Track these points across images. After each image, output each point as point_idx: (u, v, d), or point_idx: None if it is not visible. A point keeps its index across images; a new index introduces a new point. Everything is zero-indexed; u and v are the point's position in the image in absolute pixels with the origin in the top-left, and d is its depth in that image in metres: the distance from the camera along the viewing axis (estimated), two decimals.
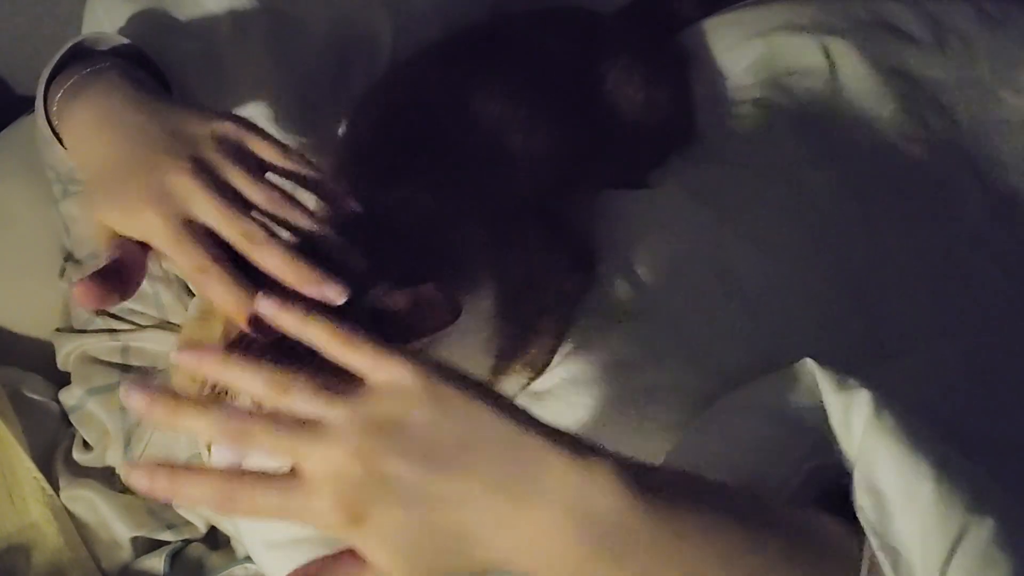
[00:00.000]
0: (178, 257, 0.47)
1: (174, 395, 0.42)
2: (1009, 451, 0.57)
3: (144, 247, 0.50)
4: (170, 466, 0.41)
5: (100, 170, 0.52)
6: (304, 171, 0.52)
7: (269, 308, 0.43)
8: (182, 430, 0.43)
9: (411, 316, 0.49)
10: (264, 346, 0.46)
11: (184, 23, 0.80)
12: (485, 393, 0.42)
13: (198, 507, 0.43)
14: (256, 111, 0.78)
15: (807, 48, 0.88)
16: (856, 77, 0.86)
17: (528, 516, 0.40)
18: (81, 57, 0.68)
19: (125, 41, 0.71)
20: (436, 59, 0.78)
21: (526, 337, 0.64)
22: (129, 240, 0.50)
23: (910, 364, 0.67)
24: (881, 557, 0.44)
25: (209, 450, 0.50)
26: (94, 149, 0.53)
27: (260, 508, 0.40)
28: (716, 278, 0.72)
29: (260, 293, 0.44)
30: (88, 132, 0.54)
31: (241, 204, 0.48)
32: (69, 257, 0.82)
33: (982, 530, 0.43)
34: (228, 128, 0.51)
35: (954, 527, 0.44)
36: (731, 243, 0.74)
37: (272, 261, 0.46)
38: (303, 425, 0.40)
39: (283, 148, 0.52)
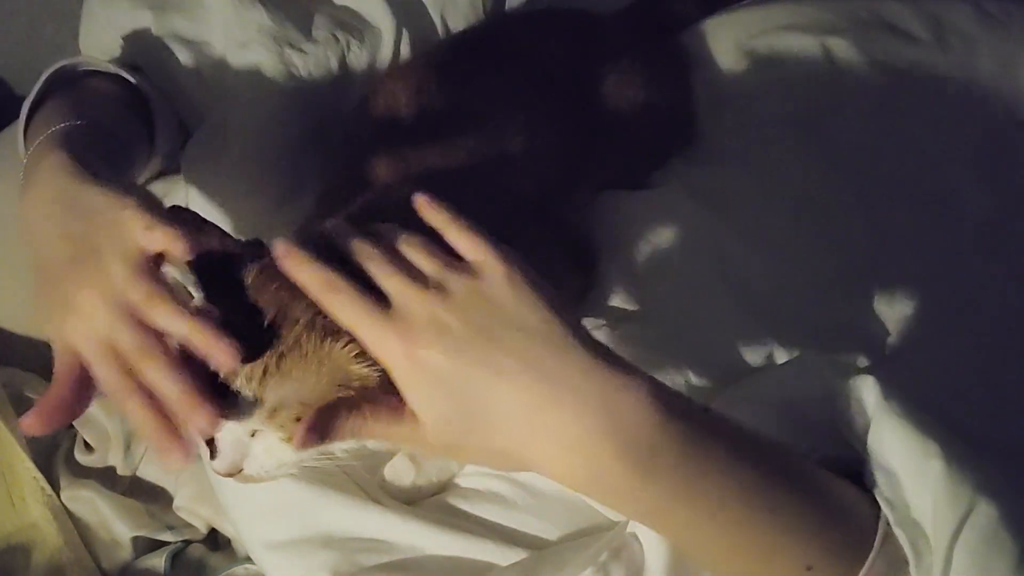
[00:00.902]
0: (96, 376, 0.48)
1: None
2: (1011, 450, 0.57)
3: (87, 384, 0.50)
4: (299, 251, 0.47)
5: (38, 273, 0.53)
6: (182, 254, 0.51)
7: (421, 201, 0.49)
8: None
9: None
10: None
11: (187, 30, 0.81)
12: (555, 299, 0.47)
13: (308, 287, 0.46)
14: (257, 116, 0.78)
15: (807, 48, 0.88)
16: (856, 76, 0.86)
17: (561, 411, 0.43)
18: (64, 83, 0.68)
19: (112, 70, 0.71)
20: (437, 59, 0.78)
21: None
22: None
23: (912, 364, 0.67)
24: (899, 532, 0.45)
25: (212, 452, 0.50)
26: (36, 248, 0.54)
27: (344, 310, 0.46)
28: (717, 278, 0.72)
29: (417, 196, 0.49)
30: (34, 225, 0.54)
31: (131, 316, 0.48)
32: None
33: (990, 508, 0.45)
34: (128, 222, 0.50)
35: (963, 504, 0.45)
36: (732, 243, 0.74)
37: (153, 380, 0.47)
38: (408, 268, 0.47)
39: (174, 238, 0.50)
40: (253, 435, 0.49)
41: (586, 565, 0.52)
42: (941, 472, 0.45)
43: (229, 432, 0.49)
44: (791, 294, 0.72)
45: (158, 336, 0.47)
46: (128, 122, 0.71)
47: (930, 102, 0.86)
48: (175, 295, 0.48)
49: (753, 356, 0.67)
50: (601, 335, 0.68)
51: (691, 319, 0.69)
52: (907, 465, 0.47)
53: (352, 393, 0.48)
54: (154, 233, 0.49)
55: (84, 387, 0.49)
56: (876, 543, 0.45)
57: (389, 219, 0.51)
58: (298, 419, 0.48)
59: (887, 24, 0.89)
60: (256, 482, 0.51)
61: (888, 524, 0.46)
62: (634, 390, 0.44)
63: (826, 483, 0.47)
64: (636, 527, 0.53)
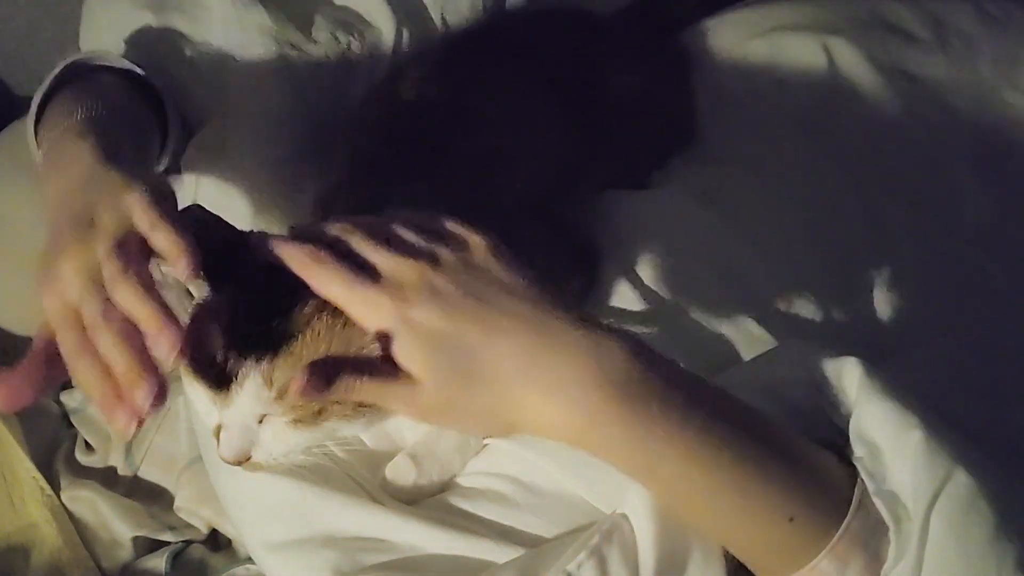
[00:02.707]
0: (58, 340, 0.48)
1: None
2: (1008, 445, 0.57)
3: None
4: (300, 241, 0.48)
5: (46, 247, 0.53)
6: (163, 245, 0.51)
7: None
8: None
9: None
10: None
11: (188, 29, 0.81)
12: (536, 274, 0.49)
13: (290, 260, 0.48)
14: (257, 116, 0.78)
15: (808, 48, 0.88)
16: (857, 76, 0.86)
17: (554, 358, 0.45)
18: (80, 74, 0.68)
19: (125, 65, 0.71)
20: (437, 59, 0.78)
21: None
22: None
23: (910, 361, 0.67)
24: (878, 502, 0.47)
25: (217, 437, 0.50)
26: (49, 226, 0.54)
27: (332, 281, 0.47)
28: (718, 278, 0.72)
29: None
30: (51, 207, 0.55)
31: (100, 287, 0.49)
32: None
33: (967, 478, 0.46)
34: (128, 203, 0.51)
35: (940, 472, 0.46)
36: (733, 243, 0.74)
37: (102, 348, 0.47)
38: (392, 243, 0.48)
39: (154, 221, 0.51)
40: (261, 422, 0.49)
41: (579, 551, 0.52)
42: (920, 441, 0.47)
43: (237, 419, 0.49)
44: (791, 293, 0.72)
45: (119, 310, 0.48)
46: (144, 117, 0.71)
47: (930, 102, 0.86)
48: (147, 279, 0.49)
49: (753, 354, 0.67)
50: None
51: (690, 317, 0.69)
52: (887, 437, 0.48)
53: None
54: (156, 233, 0.50)
55: (53, 363, 0.49)
56: (852, 505, 0.46)
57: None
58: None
59: (887, 24, 0.89)
60: (264, 470, 0.51)
61: (865, 492, 0.47)
62: (621, 341, 0.46)
63: (806, 447, 0.49)
64: (626, 507, 0.53)
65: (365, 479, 0.63)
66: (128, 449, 0.79)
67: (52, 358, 0.49)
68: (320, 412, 0.50)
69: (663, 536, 0.52)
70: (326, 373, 0.46)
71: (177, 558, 0.77)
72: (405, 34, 0.84)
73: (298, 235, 0.50)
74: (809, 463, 0.48)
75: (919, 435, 0.47)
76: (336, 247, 0.49)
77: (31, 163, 0.85)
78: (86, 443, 0.81)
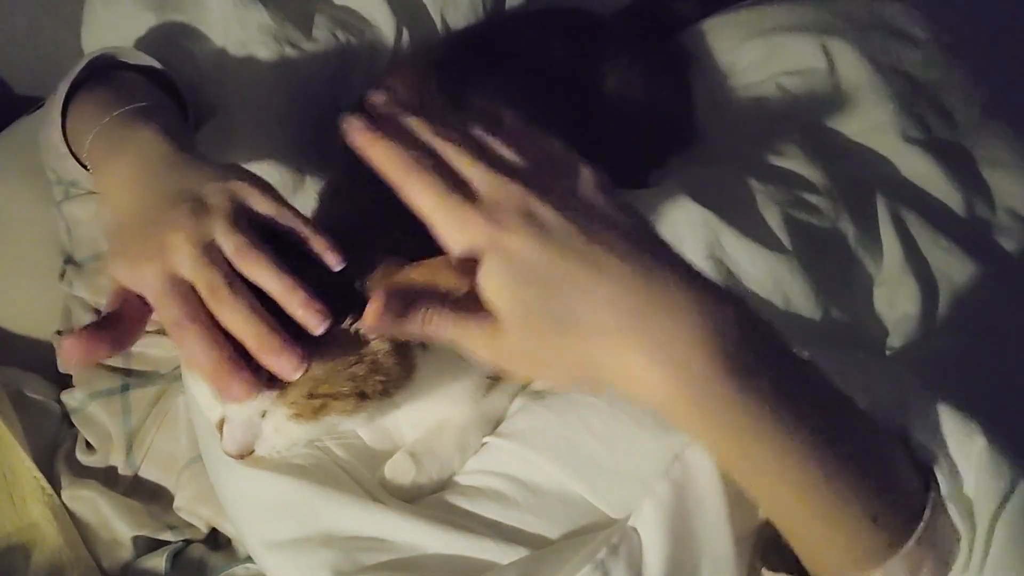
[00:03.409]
0: (159, 311, 0.49)
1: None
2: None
3: (146, 302, 0.51)
4: (373, 130, 0.45)
5: (120, 224, 0.54)
6: (299, 228, 0.52)
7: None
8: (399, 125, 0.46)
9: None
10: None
11: (189, 28, 0.81)
12: (647, 220, 0.44)
13: (381, 168, 0.45)
14: (258, 114, 0.78)
15: (807, 48, 0.88)
16: (856, 77, 0.86)
17: (661, 313, 0.40)
18: (100, 72, 0.69)
19: (146, 60, 0.72)
20: (437, 58, 0.78)
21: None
22: (133, 294, 0.51)
23: (909, 360, 0.67)
24: (951, 507, 0.45)
25: (220, 431, 0.50)
26: (122, 205, 0.55)
27: (422, 190, 0.43)
28: (717, 276, 0.72)
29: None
30: (122, 189, 0.56)
31: (222, 259, 0.49)
32: (69, 259, 0.82)
33: None
34: (237, 187, 0.52)
35: (1004, 481, 0.45)
36: (731, 243, 0.74)
37: (231, 318, 0.47)
38: (496, 156, 0.44)
39: (282, 206, 0.52)
40: (263, 416, 0.49)
41: (584, 563, 0.52)
42: (984, 449, 0.45)
43: (240, 413, 0.49)
44: (790, 292, 0.72)
45: (243, 279, 0.48)
46: (175, 113, 0.72)
47: (929, 102, 0.87)
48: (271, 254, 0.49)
49: None
50: None
51: None
52: (951, 443, 0.46)
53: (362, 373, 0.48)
54: (284, 216, 0.51)
55: (125, 330, 0.50)
56: (928, 509, 0.44)
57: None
58: (310, 395, 0.48)
59: (887, 24, 0.89)
60: (266, 465, 0.51)
61: (939, 495, 0.45)
62: (737, 307, 0.41)
63: (889, 445, 0.47)
64: (638, 520, 0.52)
65: (364, 478, 0.63)
66: (129, 448, 0.79)
67: (123, 325, 0.50)
68: (320, 407, 0.50)
69: (675, 554, 0.51)
70: (404, 298, 0.42)
71: (177, 557, 0.77)
72: (405, 33, 0.85)
73: (392, 128, 0.45)
74: (892, 462, 0.46)
75: (982, 442, 0.46)
76: (430, 152, 0.44)
77: (31, 164, 0.85)
78: (87, 443, 0.81)
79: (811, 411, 0.42)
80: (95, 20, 0.86)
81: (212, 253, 0.48)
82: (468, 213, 0.42)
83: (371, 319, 0.42)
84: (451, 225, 0.43)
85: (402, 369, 0.51)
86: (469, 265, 0.42)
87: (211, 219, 0.50)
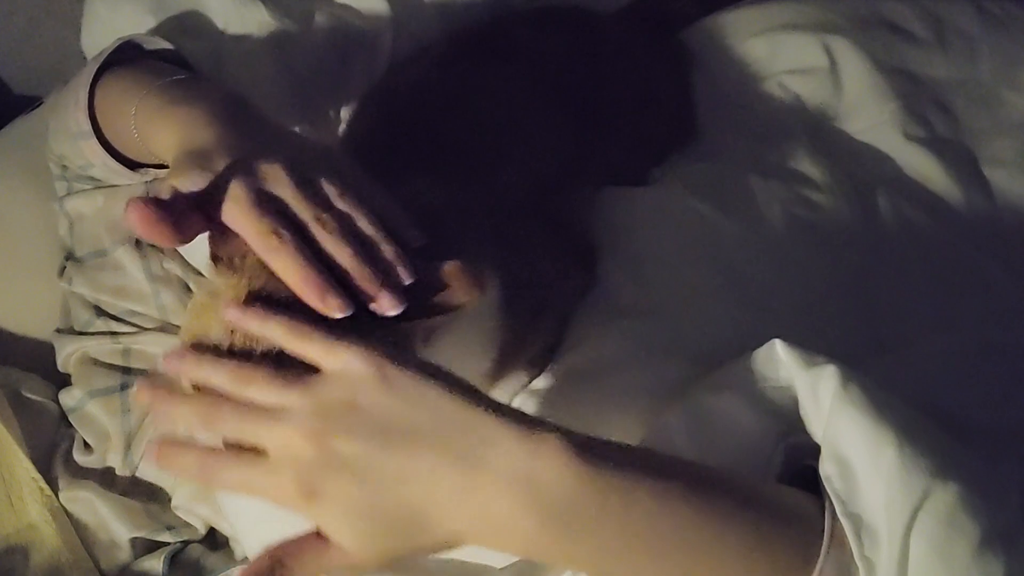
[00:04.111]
0: (247, 219, 0.46)
1: (168, 391, 0.47)
2: (1008, 441, 0.57)
3: (202, 217, 0.47)
4: (169, 442, 0.46)
5: (196, 149, 0.51)
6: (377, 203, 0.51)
7: (233, 314, 0.46)
8: (173, 416, 0.47)
9: (436, 291, 0.48)
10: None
11: (188, 24, 0.81)
12: (434, 373, 0.45)
13: (188, 478, 0.47)
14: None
15: (808, 47, 0.88)
16: (857, 76, 0.86)
17: (478, 490, 0.42)
18: (124, 58, 0.69)
19: (167, 46, 0.72)
20: (437, 58, 0.78)
21: (527, 334, 0.64)
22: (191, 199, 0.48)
23: (909, 358, 0.67)
24: (844, 523, 0.45)
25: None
26: (202, 136, 0.52)
27: (231, 482, 0.45)
28: (717, 275, 0.72)
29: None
30: (202, 126, 0.53)
31: (323, 194, 0.48)
32: (70, 256, 0.82)
33: (946, 494, 0.44)
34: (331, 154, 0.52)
35: (917, 491, 0.45)
36: (732, 241, 0.73)
37: (337, 244, 0.46)
38: (265, 411, 0.44)
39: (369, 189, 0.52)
40: None
41: None
42: (894, 460, 0.45)
43: None
44: (790, 291, 0.72)
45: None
46: None
47: (930, 102, 0.86)
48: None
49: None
50: (600, 332, 0.68)
51: (691, 316, 0.69)
52: (861, 455, 0.46)
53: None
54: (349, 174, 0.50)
55: (191, 217, 0.46)
56: (823, 546, 0.45)
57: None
58: None
59: (888, 23, 0.89)
60: None
61: (835, 520, 0.45)
62: (546, 449, 0.43)
63: (771, 496, 0.47)
64: None
65: None
66: (127, 448, 0.79)
67: (192, 213, 0.46)
68: None
69: None
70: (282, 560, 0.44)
71: (175, 559, 0.77)
72: (405, 31, 0.85)
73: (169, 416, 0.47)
74: (775, 514, 0.46)
75: (892, 453, 0.45)
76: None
77: (31, 163, 0.85)
78: (84, 443, 0.80)
79: (656, 521, 0.43)
80: (95, 20, 0.86)
81: (315, 186, 0.47)
82: (274, 483, 0.43)
83: None
84: (272, 496, 0.44)
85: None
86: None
87: (311, 166, 0.48)
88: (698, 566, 0.44)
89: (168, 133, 0.55)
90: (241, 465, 0.44)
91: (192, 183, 0.48)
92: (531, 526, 0.42)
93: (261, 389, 0.44)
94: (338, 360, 0.44)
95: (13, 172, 0.88)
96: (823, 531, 0.45)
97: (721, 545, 0.44)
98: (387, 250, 0.47)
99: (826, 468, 0.47)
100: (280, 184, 0.47)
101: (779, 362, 0.54)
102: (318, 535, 0.45)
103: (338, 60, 0.82)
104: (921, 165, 0.82)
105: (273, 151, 0.49)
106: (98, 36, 0.85)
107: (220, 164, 0.48)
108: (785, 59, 0.88)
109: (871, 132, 0.84)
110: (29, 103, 0.95)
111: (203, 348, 0.47)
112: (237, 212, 0.46)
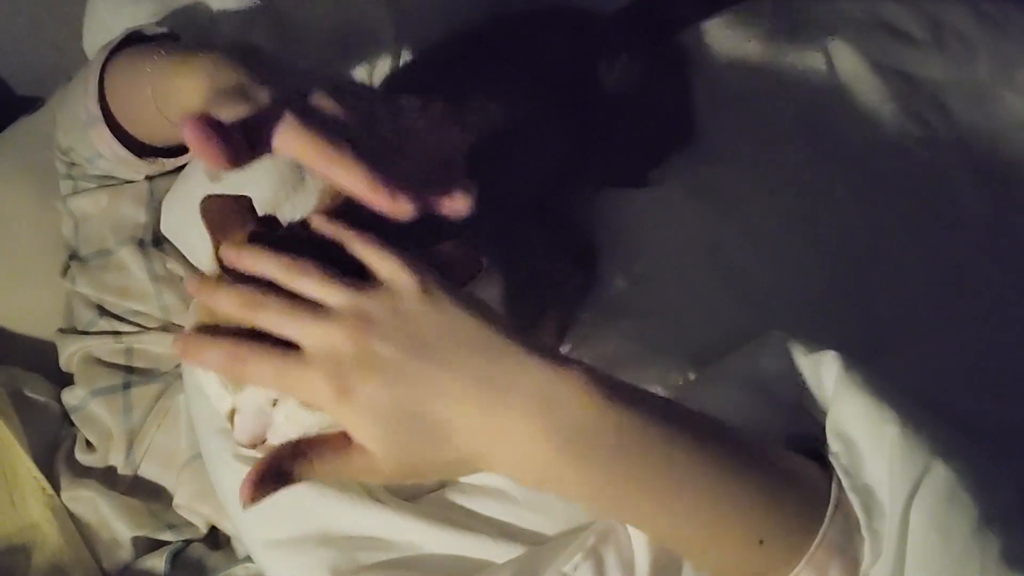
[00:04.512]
0: (302, 126, 0.46)
1: (215, 283, 0.47)
2: (1008, 440, 0.57)
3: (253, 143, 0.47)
4: (196, 334, 0.46)
5: (227, 87, 0.50)
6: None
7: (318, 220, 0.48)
8: (217, 301, 0.46)
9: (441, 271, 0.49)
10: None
11: (189, 22, 0.81)
12: (477, 303, 0.46)
13: (214, 369, 0.46)
14: None
15: (806, 48, 0.88)
16: (855, 77, 0.86)
17: (502, 411, 0.43)
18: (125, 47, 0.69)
19: (163, 30, 0.73)
20: (437, 58, 0.78)
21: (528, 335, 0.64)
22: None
23: (909, 357, 0.67)
24: (852, 497, 0.46)
25: (232, 421, 0.50)
26: (227, 76, 0.51)
27: (262, 374, 0.44)
28: (717, 276, 0.72)
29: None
30: (226, 65, 0.52)
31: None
32: (74, 255, 0.82)
33: (946, 471, 0.45)
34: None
35: (918, 466, 0.46)
36: (732, 242, 0.74)
37: (348, 169, 0.46)
38: (310, 307, 0.45)
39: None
40: (274, 404, 0.49)
41: (575, 552, 0.52)
42: (896, 436, 0.46)
43: (250, 402, 0.49)
44: (790, 291, 0.72)
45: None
46: None
47: (928, 103, 0.87)
48: None
49: None
50: (601, 332, 0.68)
51: (691, 316, 0.70)
52: (864, 432, 0.48)
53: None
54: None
55: (243, 143, 0.46)
56: (828, 512, 0.46)
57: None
58: None
59: (886, 24, 0.90)
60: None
61: (841, 491, 0.47)
62: (571, 380, 0.44)
63: (779, 459, 0.48)
64: None
65: None
66: (129, 446, 0.79)
67: (245, 138, 0.46)
68: None
69: (656, 543, 0.52)
70: (288, 456, 0.45)
71: (177, 557, 0.77)
72: (405, 31, 0.85)
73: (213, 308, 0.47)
74: (782, 475, 0.47)
75: (895, 429, 0.47)
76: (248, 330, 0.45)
77: (32, 163, 0.85)
78: (87, 442, 0.81)
79: (670, 459, 0.45)
80: (96, 21, 0.86)
81: (357, 98, 0.49)
82: (311, 378, 0.44)
83: (244, 501, 0.45)
84: (302, 393, 0.45)
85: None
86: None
87: (343, 88, 0.50)
88: (707, 513, 0.45)
89: (192, 79, 0.54)
90: (275, 356, 0.44)
91: (234, 113, 0.47)
92: (548, 450, 0.43)
93: (313, 282, 0.45)
94: (389, 268, 0.46)
95: (15, 172, 0.88)
96: (828, 497, 0.46)
97: (731, 496, 0.45)
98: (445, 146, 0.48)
99: (833, 445, 0.49)
100: (324, 103, 0.48)
101: (778, 352, 0.54)
102: (344, 437, 0.45)
103: (338, 60, 0.83)
104: (919, 166, 0.82)
105: (301, 82, 0.49)
106: (99, 37, 0.85)
107: (258, 95, 0.48)
108: (783, 60, 0.88)
109: (869, 133, 0.85)
110: (31, 104, 0.95)
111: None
112: (292, 133, 0.46)
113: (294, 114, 0.46)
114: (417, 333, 0.44)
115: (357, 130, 0.47)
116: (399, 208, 0.46)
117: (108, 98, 0.68)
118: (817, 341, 0.54)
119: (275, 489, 0.45)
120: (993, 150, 0.84)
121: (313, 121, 0.46)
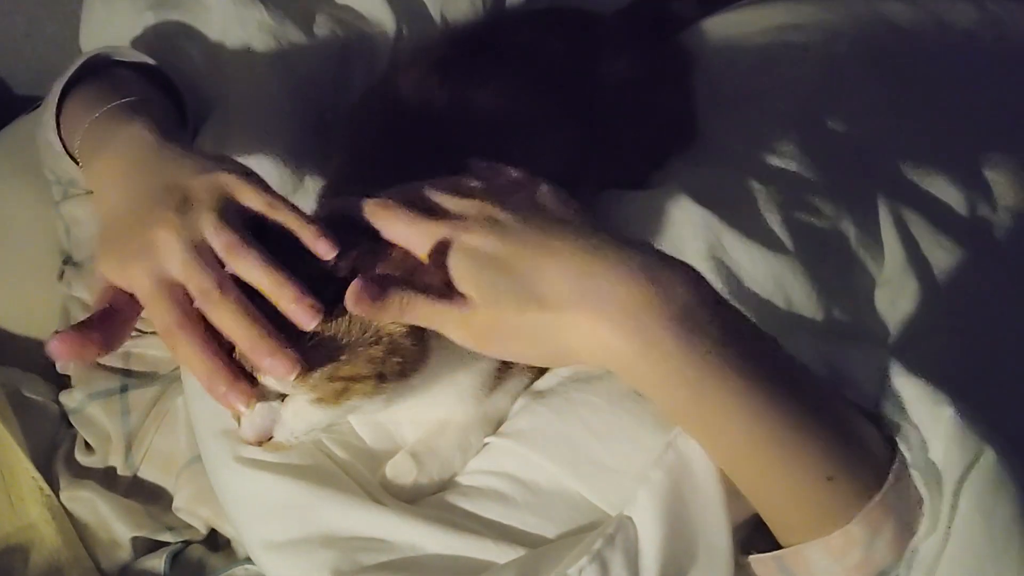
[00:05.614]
0: (150, 313, 0.49)
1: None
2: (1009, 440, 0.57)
3: (136, 300, 0.51)
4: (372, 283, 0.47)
5: (108, 221, 0.54)
6: (289, 220, 0.52)
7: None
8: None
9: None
10: None
11: (188, 27, 0.81)
12: (589, 214, 0.51)
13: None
14: (258, 113, 0.78)
15: (806, 48, 0.88)
16: (856, 77, 0.86)
17: (609, 275, 0.45)
18: (95, 70, 0.68)
19: (142, 58, 0.72)
20: (437, 58, 0.78)
21: None
22: (122, 292, 0.51)
23: (908, 358, 0.67)
24: (915, 473, 0.47)
25: (239, 422, 0.50)
26: (111, 200, 0.55)
27: (400, 222, 0.50)
28: (717, 278, 0.72)
29: None
30: (109, 184, 0.56)
31: (212, 258, 0.49)
32: (68, 259, 0.82)
33: (995, 456, 0.47)
34: (224, 180, 0.52)
35: (971, 449, 0.47)
36: (732, 244, 0.74)
37: (223, 321, 0.47)
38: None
39: (271, 199, 0.52)
40: (282, 400, 0.49)
41: (581, 555, 0.52)
42: (951, 418, 0.47)
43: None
44: (792, 293, 0.72)
45: (235, 280, 0.48)
46: (168, 107, 0.72)
47: (929, 103, 0.87)
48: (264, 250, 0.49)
49: None
50: None
51: None
52: (920, 413, 0.48)
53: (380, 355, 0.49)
54: (278, 211, 0.51)
55: (116, 329, 0.50)
56: (891, 475, 0.46)
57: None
58: (331, 379, 0.48)
59: (887, 23, 0.89)
60: (285, 450, 0.52)
61: (903, 463, 0.47)
62: (684, 272, 0.46)
63: (850, 413, 0.49)
64: (632, 509, 0.52)
65: (364, 478, 0.63)
66: (128, 449, 0.79)
67: (113, 324, 0.49)
68: (342, 390, 0.50)
69: (670, 540, 0.51)
70: (381, 284, 0.46)
71: (176, 558, 0.77)
72: (405, 32, 0.85)
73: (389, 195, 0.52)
74: (852, 428, 0.48)
75: (950, 412, 0.47)
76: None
77: (31, 164, 0.85)
78: (86, 443, 0.81)
79: (762, 371, 0.45)
80: (94, 20, 0.86)
81: (202, 252, 0.48)
82: (435, 227, 0.48)
83: (350, 305, 0.45)
84: (421, 239, 0.49)
85: (419, 350, 0.52)
86: (439, 259, 0.48)
87: (199, 215, 0.50)
88: (788, 432, 0.45)
89: (92, 185, 0.58)
90: (413, 211, 0.49)
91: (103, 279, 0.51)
92: (654, 324, 0.44)
93: (446, 196, 0.51)
94: (523, 175, 0.53)
95: (14, 173, 0.88)
96: (890, 461, 0.47)
97: (811, 425, 0.46)
98: (285, 296, 0.47)
99: (895, 421, 0.49)
100: (171, 260, 0.48)
101: (804, 345, 0.55)
102: (447, 287, 0.48)
103: (338, 61, 0.82)
104: (921, 166, 0.82)
105: (168, 207, 0.50)
106: (97, 36, 0.85)
107: (121, 237, 0.51)
108: (784, 59, 0.88)
109: (870, 132, 0.84)
110: (30, 103, 0.95)
111: None
112: (151, 309, 0.49)
113: (146, 289, 0.49)
114: (539, 213, 0.49)
115: (198, 287, 0.48)
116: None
117: (64, 137, 0.68)
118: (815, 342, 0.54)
119: (375, 307, 0.46)
120: (994, 148, 0.84)
121: (162, 296, 0.48)
